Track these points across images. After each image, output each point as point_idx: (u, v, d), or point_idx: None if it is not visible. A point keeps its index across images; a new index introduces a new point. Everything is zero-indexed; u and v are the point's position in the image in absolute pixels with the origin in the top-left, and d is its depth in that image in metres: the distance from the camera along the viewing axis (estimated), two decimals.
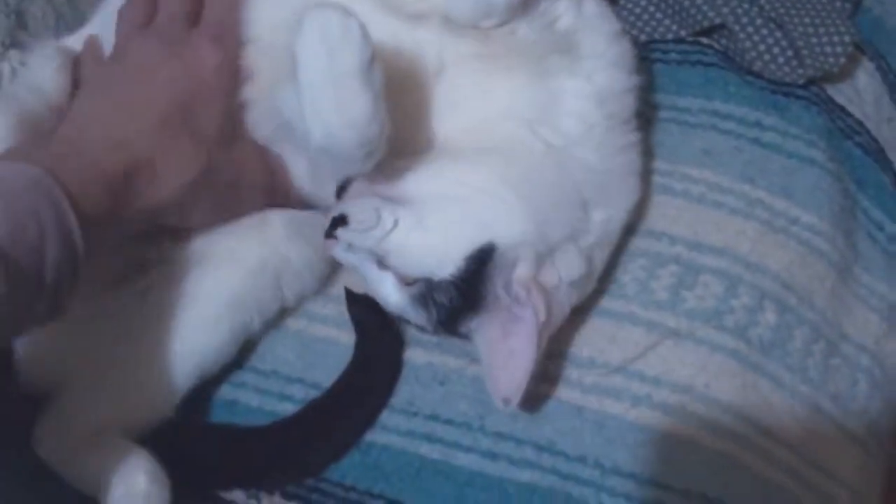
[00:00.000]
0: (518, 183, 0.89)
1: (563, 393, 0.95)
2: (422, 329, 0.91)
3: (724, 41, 1.14)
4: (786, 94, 1.11)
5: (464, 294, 0.86)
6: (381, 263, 0.88)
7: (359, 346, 0.99)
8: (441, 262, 0.86)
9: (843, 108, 1.13)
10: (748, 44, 1.10)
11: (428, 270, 0.86)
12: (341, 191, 0.91)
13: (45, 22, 1.11)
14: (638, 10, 1.17)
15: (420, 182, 0.89)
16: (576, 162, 0.92)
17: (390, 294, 0.89)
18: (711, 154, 1.07)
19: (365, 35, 0.78)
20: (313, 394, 0.98)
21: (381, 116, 0.81)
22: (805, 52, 1.10)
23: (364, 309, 0.99)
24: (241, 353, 1.01)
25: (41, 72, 1.01)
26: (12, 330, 0.77)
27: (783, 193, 1.05)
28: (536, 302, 0.86)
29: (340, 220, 0.87)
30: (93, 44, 1.04)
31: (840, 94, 1.14)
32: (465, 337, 0.91)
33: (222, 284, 0.97)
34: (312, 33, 0.79)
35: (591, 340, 0.97)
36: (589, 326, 0.97)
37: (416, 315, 0.88)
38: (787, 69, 1.10)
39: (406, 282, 0.87)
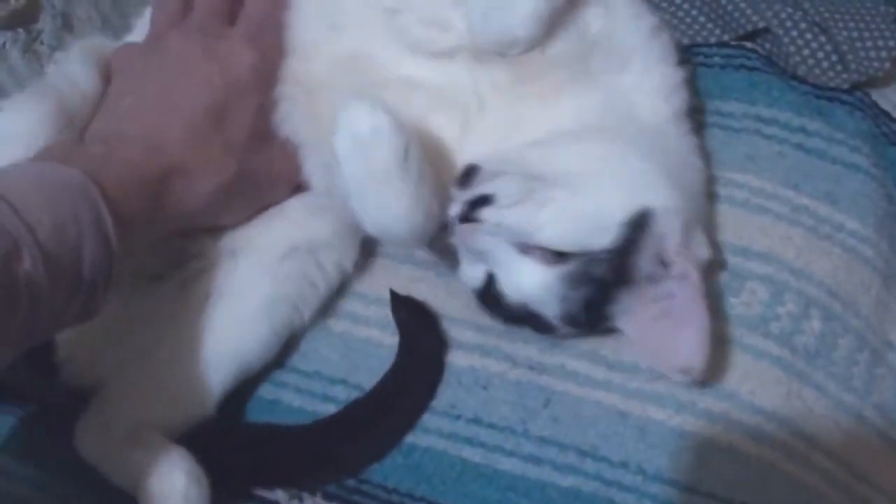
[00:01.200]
0: (651, 156, 0.90)
1: (607, 398, 0.95)
2: (546, 329, 0.90)
3: (767, 45, 1.13)
4: (830, 99, 1.10)
5: (616, 269, 0.86)
6: (523, 247, 0.87)
7: (402, 347, 0.99)
8: (600, 229, 0.86)
9: (887, 114, 1.13)
10: (792, 48, 1.10)
11: (586, 240, 0.86)
12: (465, 178, 0.89)
13: (91, 24, 1.13)
14: (681, 14, 1.17)
15: (556, 161, 0.89)
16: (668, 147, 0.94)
17: (533, 279, 0.87)
18: (755, 159, 1.06)
19: (394, 129, 0.81)
20: (356, 395, 0.98)
21: (424, 203, 0.84)
22: (849, 56, 1.09)
23: (408, 310, 1.00)
24: (284, 354, 1.01)
25: (77, 66, 1.01)
26: (51, 326, 0.78)
27: (828, 199, 1.04)
28: (690, 268, 0.87)
29: (483, 200, 0.86)
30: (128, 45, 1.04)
31: (885, 99, 1.13)
32: (599, 327, 0.91)
33: (258, 276, 0.97)
34: (345, 135, 0.82)
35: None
36: None
37: (561, 301, 0.87)
38: (831, 74, 1.10)
39: (554, 261, 0.86)
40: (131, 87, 0.95)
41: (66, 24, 1.09)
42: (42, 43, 1.07)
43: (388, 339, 1.00)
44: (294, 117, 0.98)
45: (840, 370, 0.98)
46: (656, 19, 1.00)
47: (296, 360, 1.02)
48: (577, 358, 0.96)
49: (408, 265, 1.04)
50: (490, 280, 0.90)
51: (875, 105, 1.12)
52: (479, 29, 0.89)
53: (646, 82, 0.96)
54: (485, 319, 0.99)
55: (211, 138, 0.91)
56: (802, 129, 1.08)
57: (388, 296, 1.01)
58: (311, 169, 1.00)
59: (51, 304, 0.74)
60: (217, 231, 0.99)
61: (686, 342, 0.87)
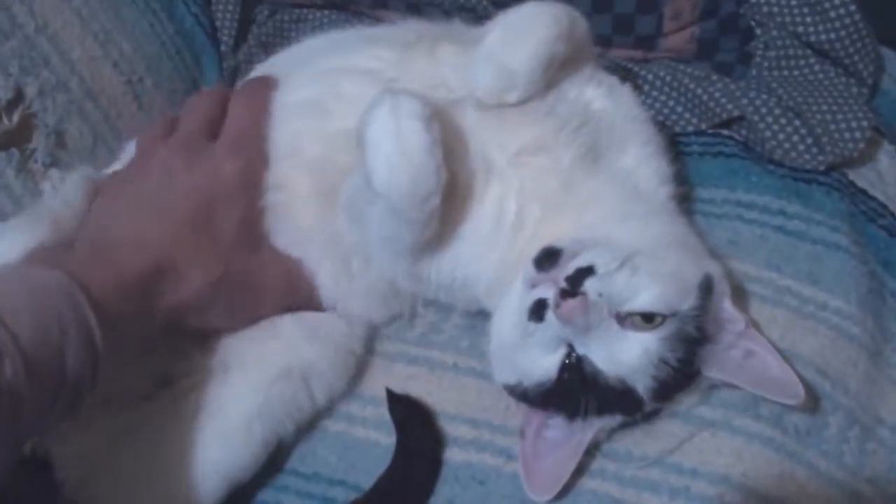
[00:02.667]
0: (689, 232, 0.99)
1: (602, 487, 0.96)
2: (629, 408, 0.91)
3: (744, 132, 1.16)
4: (807, 181, 1.13)
5: (699, 328, 0.89)
6: (619, 317, 0.88)
7: (399, 446, 0.99)
8: (686, 291, 0.89)
9: (865, 192, 1.15)
10: (768, 133, 1.13)
11: (678, 302, 0.88)
12: (547, 260, 0.90)
13: (84, 141, 1.14)
14: (658, 105, 1.20)
15: (624, 236, 0.92)
16: None
17: (636, 347, 0.87)
18: (737, 244, 1.08)
19: (426, 105, 0.86)
20: (354, 496, 0.99)
21: (437, 156, 0.85)
22: (824, 138, 1.12)
23: (405, 409, 1.01)
24: (282, 456, 1.02)
25: (70, 191, 1.03)
26: (35, 429, 0.78)
27: (810, 280, 1.06)
28: (748, 319, 0.93)
29: (587, 271, 0.87)
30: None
31: (862, 178, 1.16)
32: (686, 387, 0.93)
33: (249, 393, 0.97)
34: (383, 106, 0.85)
35: (629, 433, 0.97)
36: None
37: (656, 367, 0.88)
38: (807, 156, 1.12)
39: (648, 327, 0.88)
40: (118, 196, 0.98)
41: (60, 142, 1.10)
42: (36, 161, 1.07)
43: (384, 439, 1.01)
44: (286, 227, 1.01)
45: (832, 448, 0.99)
46: (652, 114, 1.05)
47: (295, 462, 1.02)
48: None
49: (401, 363, 1.06)
50: (575, 363, 0.89)
51: (852, 184, 1.15)
52: (482, 71, 0.92)
53: (643, 168, 0.99)
54: (479, 414, 1.01)
55: (198, 239, 0.93)
56: (782, 212, 1.10)
57: (383, 395, 1.02)
58: (317, 265, 1.03)
59: (34, 408, 0.74)
60: (209, 346, 1.00)
61: (777, 377, 0.91)
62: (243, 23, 1.38)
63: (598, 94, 1.00)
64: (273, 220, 1.01)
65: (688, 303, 0.89)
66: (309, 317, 1.03)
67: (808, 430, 0.99)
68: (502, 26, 0.93)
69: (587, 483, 0.96)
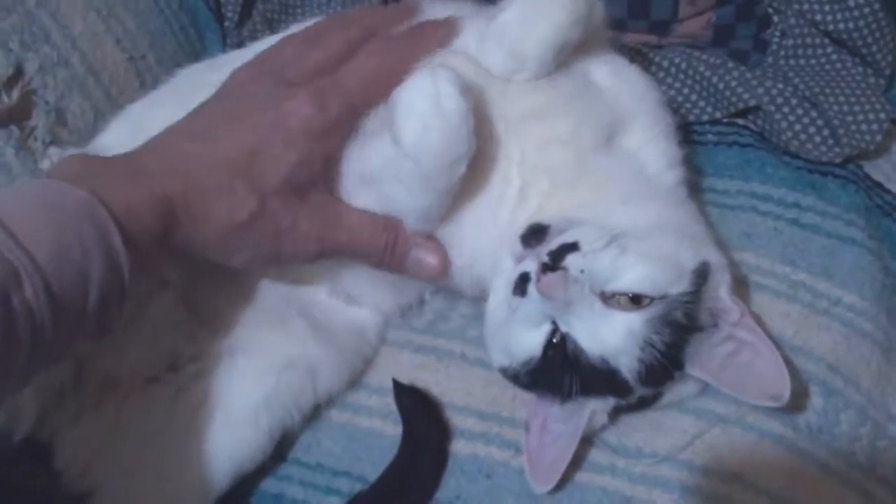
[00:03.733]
0: (692, 219, 0.97)
1: (612, 483, 0.95)
2: (617, 391, 0.89)
3: (759, 122, 1.14)
4: (823, 174, 1.11)
5: (689, 315, 0.87)
6: (604, 296, 0.87)
7: (405, 437, 0.98)
8: (678, 274, 0.88)
9: (881, 185, 1.14)
10: (784, 124, 1.11)
11: (667, 285, 0.87)
12: (533, 235, 0.90)
13: (84, 119, 1.12)
14: (672, 92, 1.18)
15: (621, 217, 0.91)
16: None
17: (619, 326, 0.86)
18: (751, 236, 1.07)
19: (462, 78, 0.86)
20: (359, 487, 0.98)
21: (470, 124, 0.85)
22: (841, 130, 1.10)
23: (411, 399, 1.00)
24: (286, 446, 1.01)
25: None
26: (60, 351, 0.76)
27: (824, 274, 1.05)
28: (745, 309, 0.91)
29: (568, 248, 0.87)
30: None
31: (878, 170, 1.14)
32: (672, 377, 0.90)
33: (254, 383, 0.97)
34: (423, 73, 0.86)
35: (639, 429, 0.96)
36: (636, 415, 0.96)
37: (641, 349, 0.86)
38: (823, 148, 1.10)
39: (635, 308, 0.86)
40: (185, 117, 0.94)
41: (60, 120, 1.09)
42: (36, 139, 1.06)
43: (390, 429, 1.00)
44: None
45: (843, 445, 0.98)
46: (661, 96, 1.02)
47: (299, 452, 1.01)
48: (580, 443, 0.95)
49: (408, 351, 1.05)
50: (561, 342, 0.89)
51: (868, 177, 1.13)
52: (493, 50, 0.91)
53: (649, 150, 0.98)
54: (487, 406, 0.99)
55: (238, 176, 0.89)
56: (797, 205, 1.09)
57: (389, 385, 1.01)
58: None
59: (58, 329, 0.72)
60: (216, 329, 0.99)
61: (765, 372, 0.88)
62: None
63: (605, 72, 0.99)
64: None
65: (678, 287, 0.87)
66: (320, 315, 1.02)
67: (821, 427, 0.97)
68: (520, 4, 0.91)
69: (597, 479, 0.95)
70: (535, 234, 0.90)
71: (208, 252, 0.89)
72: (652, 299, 0.86)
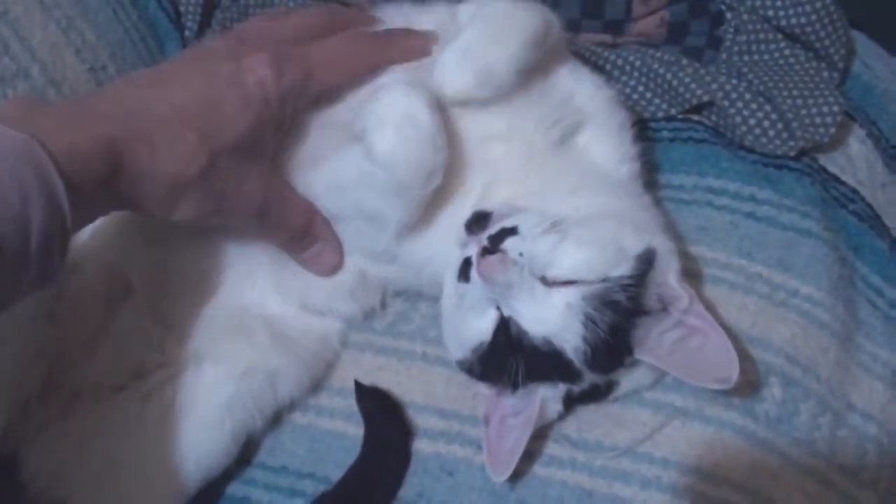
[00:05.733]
0: (645, 206, 0.98)
1: (573, 477, 0.95)
2: (567, 375, 0.89)
3: (714, 117, 1.15)
4: (778, 167, 1.12)
5: (633, 298, 0.88)
6: (545, 280, 0.87)
7: (368, 437, 0.99)
8: (619, 259, 0.88)
9: (836, 177, 1.15)
10: (738, 119, 1.12)
11: (607, 268, 0.87)
12: (476, 222, 0.91)
13: None
14: (627, 90, 1.19)
15: (564, 205, 0.92)
16: None
17: (558, 304, 0.87)
18: (707, 230, 1.08)
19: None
20: (323, 488, 0.98)
21: (444, 136, 0.88)
22: (795, 124, 1.11)
23: (373, 400, 1.00)
24: (250, 450, 1.01)
25: None
26: (3, 299, 0.74)
27: (781, 266, 1.06)
28: (693, 294, 0.91)
29: (506, 233, 0.88)
30: None
31: (832, 163, 1.16)
32: (620, 361, 0.91)
33: (218, 387, 0.97)
34: (393, 86, 0.88)
35: (599, 423, 0.97)
36: (596, 409, 0.97)
37: (584, 327, 0.86)
38: (777, 142, 1.11)
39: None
40: (155, 66, 0.95)
41: None
42: None
43: (353, 430, 1.00)
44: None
45: (803, 435, 0.98)
46: (614, 93, 1.03)
47: (263, 455, 1.01)
48: (540, 439, 0.96)
49: (369, 353, 1.05)
50: (505, 326, 0.89)
51: (823, 169, 1.14)
52: (457, 67, 0.91)
53: (600, 145, 0.99)
54: (448, 404, 1.00)
55: (189, 126, 0.87)
56: (752, 198, 1.10)
57: (351, 386, 1.01)
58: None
59: None
60: (182, 336, 1.00)
61: (714, 356, 0.88)
62: (207, 7, 1.36)
63: (559, 73, 1.00)
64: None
65: (619, 271, 0.88)
66: (280, 324, 1.02)
67: (780, 417, 0.98)
68: (481, 21, 0.92)
69: (557, 474, 0.95)
70: (478, 221, 0.91)
71: (152, 203, 0.87)
72: (591, 282, 0.87)
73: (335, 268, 1.02)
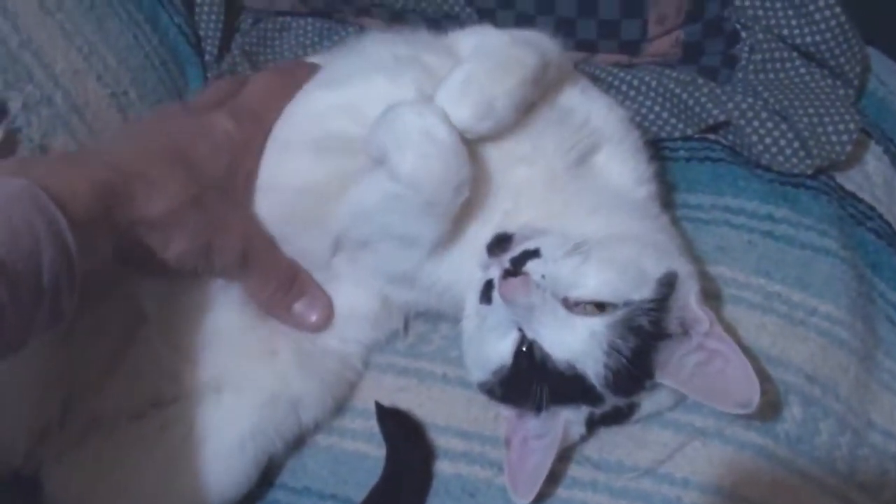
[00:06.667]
0: (659, 230, 0.98)
1: (594, 499, 0.96)
2: (589, 398, 0.89)
3: (730, 136, 1.16)
4: (795, 186, 1.12)
5: (655, 322, 0.88)
6: (567, 302, 0.88)
7: (389, 459, 0.99)
8: (641, 282, 0.88)
9: (853, 195, 1.15)
10: (755, 138, 1.12)
11: (629, 292, 0.87)
12: (498, 244, 0.92)
13: None
14: (644, 110, 1.19)
15: (585, 227, 0.92)
16: None
17: (582, 330, 0.87)
18: (726, 250, 1.08)
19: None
20: None
21: (465, 150, 0.88)
22: (811, 142, 1.11)
23: (394, 421, 1.01)
24: (273, 471, 1.02)
25: None
26: (16, 338, 0.75)
27: (799, 285, 1.06)
28: (713, 318, 0.91)
29: (529, 255, 0.89)
30: None
31: (849, 180, 1.16)
32: (642, 385, 0.91)
33: (240, 417, 0.98)
34: (404, 108, 0.88)
35: (620, 444, 0.97)
36: (617, 430, 0.97)
37: (607, 355, 0.87)
38: (794, 160, 1.12)
39: (598, 314, 0.87)
40: (107, 135, 1.00)
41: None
42: None
43: (375, 451, 1.01)
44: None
45: (823, 454, 0.98)
46: (627, 113, 1.04)
47: (285, 476, 1.02)
48: (562, 460, 0.96)
49: (390, 375, 1.06)
50: (528, 349, 0.89)
51: (840, 187, 1.14)
52: (458, 101, 0.90)
53: (616, 166, 1.00)
54: (469, 426, 1.01)
55: (176, 164, 0.92)
56: (770, 217, 1.10)
57: (373, 408, 1.02)
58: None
59: (14, 318, 0.72)
60: (199, 364, 1.00)
61: (735, 380, 0.88)
62: (227, 32, 1.38)
63: (573, 95, 1.01)
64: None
65: (641, 294, 0.88)
66: (307, 345, 1.03)
67: (800, 437, 0.98)
68: (482, 58, 0.93)
69: (578, 494, 0.96)
70: (499, 244, 0.92)
71: (150, 236, 0.90)
72: (615, 305, 0.87)
73: (325, 323, 1.03)
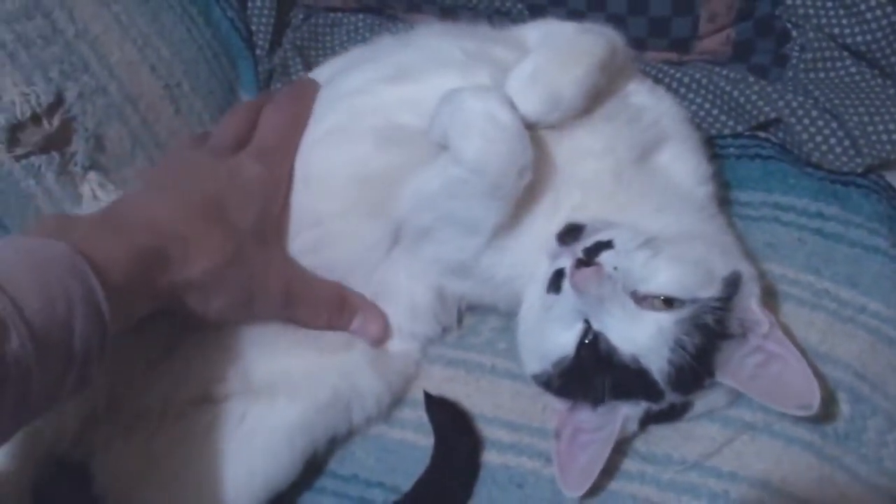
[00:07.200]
0: (722, 231, 1.00)
1: (641, 490, 0.96)
2: (649, 394, 0.90)
3: (781, 134, 1.16)
4: (845, 184, 1.12)
5: (720, 320, 0.88)
6: (636, 296, 0.88)
7: (437, 448, 1.00)
8: (709, 280, 0.89)
9: None
10: (805, 136, 1.12)
11: (697, 289, 0.89)
12: (570, 234, 0.93)
13: (122, 145, 1.16)
14: (694, 107, 1.20)
15: (655, 223, 0.93)
16: None
17: (650, 325, 0.88)
18: (775, 246, 1.08)
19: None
20: (393, 498, 1.00)
21: (527, 135, 0.89)
22: (861, 140, 1.11)
23: (442, 411, 1.02)
24: (321, 458, 1.02)
25: None
26: (45, 403, 0.76)
27: (849, 283, 1.06)
28: (774, 321, 0.92)
29: (602, 246, 0.90)
30: None
31: None
32: (702, 383, 0.91)
33: (296, 416, 0.98)
34: (466, 93, 0.90)
35: (668, 436, 0.97)
36: (665, 425, 0.98)
37: (672, 351, 0.87)
38: (844, 159, 1.12)
39: (666, 309, 0.88)
40: (138, 187, 0.99)
41: (99, 146, 1.13)
42: (76, 164, 1.10)
43: (423, 441, 1.02)
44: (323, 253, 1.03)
45: (871, 452, 0.98)
46: (688, 114, 1.05)
47: (333, 464, 1.03)
48: (612, 452, 0.96)
49: (439, 365, 1.06)
50: (594, 341, 0.90)
51: (890, 186, 1.14)
52: (527, 92, 0.92)
53: (680, 165, 1.01)
54: (517, 417, 1.01)
55: (211, 221, 0.93)
56: (820, 215, 1.10)
57: (421, 398, 1.03)
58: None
59: (43, 382, 0.73)
60: (247, 368, 1.01)
61: (795, 382, 0.89)
62: (278, 27, 1.39)
63: (641, 91, 1.02)
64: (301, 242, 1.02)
65: (708, 292, 0.89)
66: (378, 350, 1.04)
67: (847, 434, 0.98)
68: (550, 47, 0.95)
69: (626, 486, 0.96)
70: (571, 233, 0.93)
71: (190, 296, 0.92)
72: (683, 302, 0.88)
73: (384, 333, 1.04)
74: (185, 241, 0.89)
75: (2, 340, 0.69)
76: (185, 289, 0.90)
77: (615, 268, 0.88)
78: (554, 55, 0.93)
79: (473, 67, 0.99)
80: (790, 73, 1.23)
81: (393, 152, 0.99)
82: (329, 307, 1.01)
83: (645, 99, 1.02)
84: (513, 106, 0.89)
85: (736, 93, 1.17)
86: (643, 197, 0.96)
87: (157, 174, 1.02)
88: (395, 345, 1.05)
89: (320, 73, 1.15)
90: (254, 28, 1.38)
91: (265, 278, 0.97)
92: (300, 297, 1.00)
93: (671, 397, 0.91)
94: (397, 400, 1.04)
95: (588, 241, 0.91)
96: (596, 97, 0.96)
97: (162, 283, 0.87)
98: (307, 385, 0.99)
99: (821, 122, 1.13)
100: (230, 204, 0.95)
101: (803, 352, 0.93)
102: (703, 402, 0.95)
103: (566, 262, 0.90)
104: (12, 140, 1.04)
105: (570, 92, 0.92)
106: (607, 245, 0.89)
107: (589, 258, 0.89)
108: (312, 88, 1.09)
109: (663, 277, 0.88)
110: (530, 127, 0.92)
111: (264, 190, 0.99)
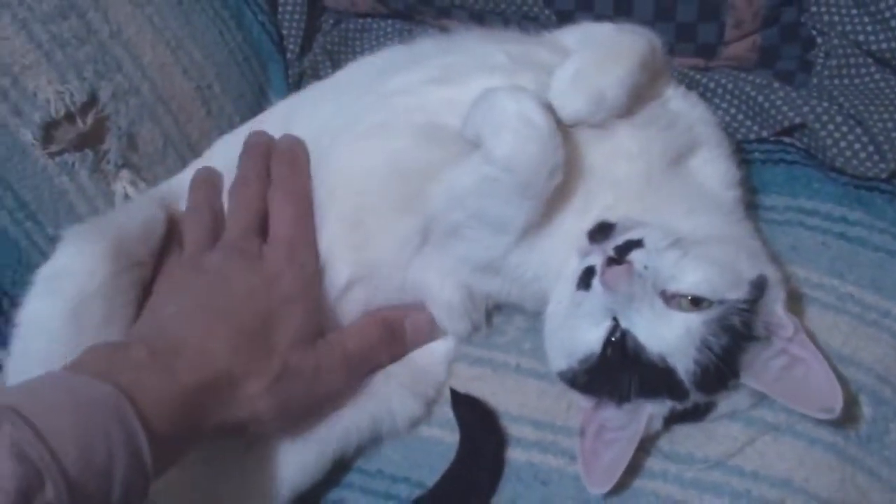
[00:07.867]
0: (749, 235, 1.01)
1: (663, 488, 0.96)
2: (674, 393, 0.91)
3: (805, 139, 1.17)
4: (869, 189, 1.13)
5: (746, 322, 0.90)
6: (665, 295, 0.89)
7: (463, 444, 1.01)
8: (737, 282, 0.91)
9: None
10: (829, 141, 1.13)
11: (725, 290, 0.90)
12: (601, 232, 0.94)
13: (154, 144, 1.18)
14: (720, 113, 1.21)
15: (684, 225, 0.95)
16: None
17: (678, 325, 0.89)
18: (799, 250, 1.09)
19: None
20: (418, 493, 1.01)
21: (560, 135, 0.90)
22: (886, 146, 1.12)
23: (468, 408, 1.02)
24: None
25: (145, 208, 1.07)
26: None
27: (873, 287, 1.06)
28: (798, 324, 0.93)
29: (633, 245, 0.91)
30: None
31: None
32: (727, 384, 0.92)
33: (332, 435, 1.00)
34: (501, 93, 0.91)
35: (691, 435, 0.98)
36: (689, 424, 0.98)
37: (699, 351, 0.88)
38: (868, 164, 1.12)
39: (694, 309, 0.89)
40: (174, 297, 0.97)
41: (131, 144, 1.14)
42: (108, 162, 1.11)
43: (448, 437, 1.02)
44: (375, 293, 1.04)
45: (893, 454, 0.99)
46: (718, 119, 1.06)
47: (359, 460, 1.04)
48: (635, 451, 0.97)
49: (464, 364, 1.07)
50: (621, 339, 0.91)
51: None
52: (571, 93, 0.94)
53: (711, 169, 1.02)
54: (541, 416, 1.02)
55: (254, 346, 0.92)
56: (844, 219, 1.10)
57: (447, 395, 1.04)
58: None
59: None
60: None
61: (818, 386, 0.90)
62: (309, 31, 1.41)
63: (677, 96, 1.04)
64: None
65: (736, 294, 0.90)
66: (420, 361, 1.06)
67: (870, 436, 0.99)
68: (591, 48, 0.96)
69: (649, 484, 0.97)
70: (602, 231, 0.94)
71: (249, 425, 0.92)
72: (711, 302, 0.89)
73: (434, 326, 1.05)
74: (232, 375, 0.89)
75: (37, 491, 0.67)
76: (236, 424, 0.90)
77: (645, 266, 0.89)
78: (595, 56, 0.95)
79: (518, 71, 1.00)
80: (815, 80, 1.24)
81: (431, 150, 1.00)
82: (382, 342, 1.02)
83: (681, 104, 1.04)
84: (546, 106, 0.90)
85: (761, 98, 1.18)
86: (673, 199, 0.97)
87: (190, 285, 0.98)
88: (433, 348, 1.06)
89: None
90: (284, 32, 1.40)
91: (319, 375, 0.96)
92: (356, 355, 1.00)
93: (696, 397, 0.92)
94: (431, 405, 1.05)
95: (619, 239, 0.92)
96: (638, 98, 0.97)
97: (208, 425, 0.87)
98: (348, 414, 1.01)
99: (845, 128, 1.13)
100: (273, 318, 0.94)
101: (826, 355, 0.94)
102: (726, 402, 0.95)
103: (597, 260, 0.91)
104: (47, 137, 1.06)
105: (614, 92, 0.94)
106: (638, 244, 0.91)
107: (620, 256, 0.90)
108: (302, 151, 1.07)
109: (693, 277, 0.89)
110: (573, 125, 0.94)
111: (304, 293, 0.98)
